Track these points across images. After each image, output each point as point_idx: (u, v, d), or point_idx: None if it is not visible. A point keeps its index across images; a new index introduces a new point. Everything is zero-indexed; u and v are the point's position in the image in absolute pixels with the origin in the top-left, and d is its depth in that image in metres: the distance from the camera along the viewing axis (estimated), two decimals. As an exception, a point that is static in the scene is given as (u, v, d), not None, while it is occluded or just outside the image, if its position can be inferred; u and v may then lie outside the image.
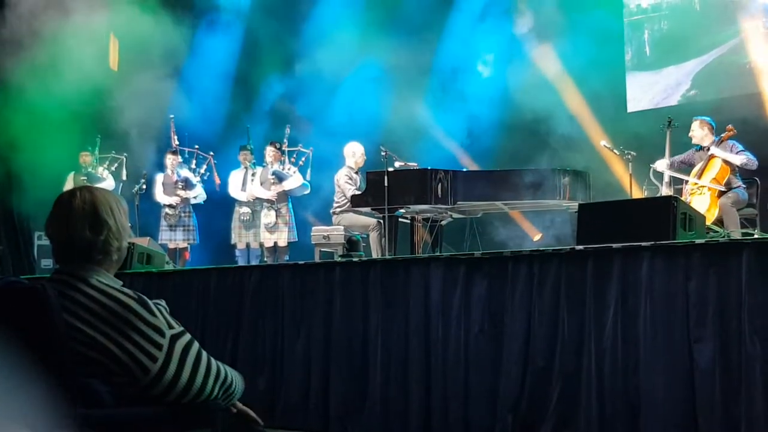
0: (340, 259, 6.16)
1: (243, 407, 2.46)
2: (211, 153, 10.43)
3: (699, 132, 8.10)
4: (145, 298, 2.23)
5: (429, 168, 8.22)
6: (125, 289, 2.24)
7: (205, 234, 10.52)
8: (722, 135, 7.97)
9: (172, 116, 10.52)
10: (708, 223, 7.27)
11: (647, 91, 10.85)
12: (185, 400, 2.21)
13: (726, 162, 7.77)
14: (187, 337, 2.26)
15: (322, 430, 5.45)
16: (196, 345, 2.27)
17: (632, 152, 8.26)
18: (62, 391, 2.05)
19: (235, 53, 12.14)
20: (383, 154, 8.41)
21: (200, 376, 2.23)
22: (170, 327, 2.24)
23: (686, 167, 8.20)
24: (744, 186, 7.88)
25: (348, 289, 5.49)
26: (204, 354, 2.28)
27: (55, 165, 10.06)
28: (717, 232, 5.74)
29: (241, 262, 9.60)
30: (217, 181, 10.30)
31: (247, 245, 9.91)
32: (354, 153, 9.09)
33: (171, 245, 9.96)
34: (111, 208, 2.30)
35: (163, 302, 2.31)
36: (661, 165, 8.14)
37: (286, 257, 9.52)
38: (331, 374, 5.47)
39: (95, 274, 2.26)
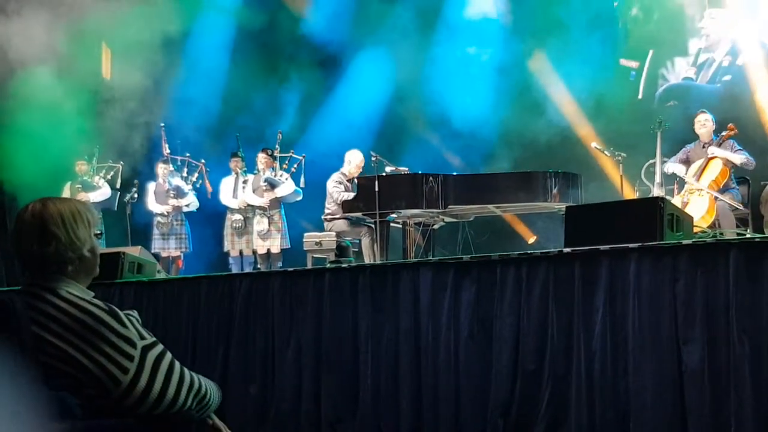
0: (329, 265, 6.13)
1: (218, 421, 2.43)
2: (203, 161, 10.43)
3: (710, 128, 8.05)
4: (116, 309, 2.21)
5: (419, 172, 8.22)
6: (96, 301, 2.22)
7: (198, 242, 10.50)
8: (722, 134, 7.94)
9: (162, 125, 10.51)
10: (705, 225, 7.27)
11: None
12: (158, 412, 2.19)
13: (726, 164, 7.74)
14: (160, 347, 2.24)
15: (314, 436, 5.43)
16: (168, 356, 2.24)
17: (623, 153, 8.25)
18: (31, 404, 2.03)
19: (226, 59, 12.11)
20: (373, 159, 8.41)
21: (173, 387, 2.21)
22: (142, 338, 2.21)
23: (683, 165, 8.16)
24: (737, 187, 7.87)
25: (337, 295, 5.47)
26: (177, 364, 2.25)
27: (51, 175, 10.04)
28: (706, 232, 5.72)
29: (234, 270, 9.58)
30: (209, 189, 10.28)
31: (241, 252, 9.89)
32: (350, 161, 9.09)
33: (164, 254, 9.94)
34: (63, 220, 2.27)
35: (135, 313, 2.29)
36: (674, 168, 8.08)
37: (280, 264, 9.50)
38: (322, 380, 5.45)
39: (65, 285, 2.24)
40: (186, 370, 2.28)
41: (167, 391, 2.19)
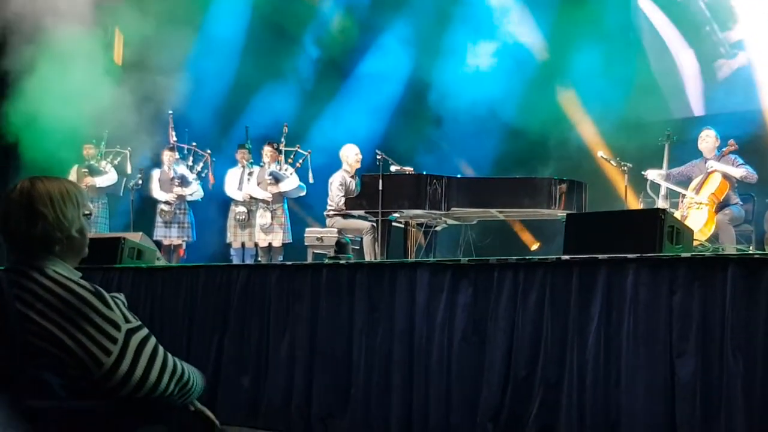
0: (328, 261, 6.13)
1: (201, 406, 2.42)
2: (209, 151, 10.42)
3: (711, 143, 8.05)
4: (102, 291, 2.20)
5: (424, 173, 8.22)
6: (83, 282, 2.21)
7: (201, 232, 10.50)
8: (723, 149, 7.94)
9: (170, 112, 10.51)
10: (704, 238, 7.26)
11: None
12: (139, 395, 2.18)
13: (726, 177, 7.73)
14: (144, 331, 2.23)
15: (304, 431, 5.42)
16: (152, 340, 2.23)
17: (628, 164, 8.23)
18: (12, 381, 2.02)
19: (238, 50, 12.12)
20: (379, 157, 8.39)
21: (155, 372, 2.20)
22: (127, 321, 2.21)
23: (684, 179, 8.16)
24: (741, 203, 7.86)
25: (334, 292, 5.46)
26: (161, 349, 2.24)
27: (59, 157, 10.07)
28: (705, 246, 5.70)
29: (235, 261, 9.59)
30: (212, 180, 10.28)
31: (243, 245, 9.89)
32: (347, 156, 9.11)
33: (166, 242, 9.96)
34: (51, 199, 2.26)
35: (121, 296, 2.28)
36: (653, 174, 8.10)
37: (280, 258, 9.51)
38: (314, 376, 5.44)
39: (52, 264, 2.23)
40: (169, 356, 2.27)
41: (149, 375, 2.18)
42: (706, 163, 7.99)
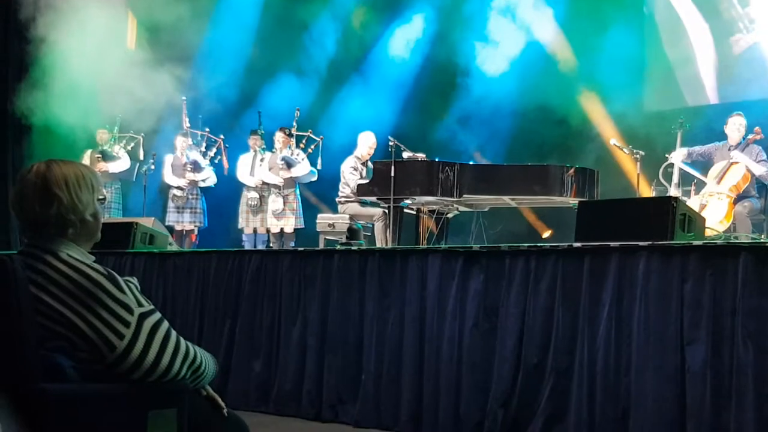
0: (339, 247, 6.14)
1: (212, 392, 2.43)
2: (221, 136, 10.44)
3: (740, 132, 7.89)
4: (115, 274, 2.21)
5: (436, 160, 8.21)
6: (96, 265, 2.22)
7: (214, 217, 10.53)
8: (748, 137, 7.82)
9: (184, 98, 10.52)
10: (722, 230, 7.21)
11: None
12: (151, 379, 2.19)
13: (748, 170, 7.65)
14: (157, 315, 2.24)
15: (314, 417, 5.44)
16: (165, 324, 2.24)
17: (641, 152, 8.19)
18: (25, 364, 2.04)
19: (251, 36, 12.11)
20: (391, 144, 8.39)
21: (167, 356, 2.21)
22: (139, 305, 2.22)
23: (705, 160, 8.05)
24: (758, 196, 7.79)
25: (345, 278, 5.48)
26: (173, 333, 2.25)
27: (72, 141, 10.11)
28: (718, 235, 5.67)
29: (247, 247, 9.61)
30: (226, 165, 10.30)
31: (255, 230, 9.92)
32: (364, 142, 9.12)
33: (178, 227, 9.99)
34: (67, 182, 2.26)
35: (134, 280, 2.29)
36: (678, 156, 8.00)
37: (292, 243, 9.53)
38: (326, 362, 5.47)
39: (65, 247, 2.24)
40: (182, 340, 2.28)
41: (161, 359, 2.20)
42: (729, 150, 7.87)
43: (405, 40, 11.79)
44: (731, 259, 4.00)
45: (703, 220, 4.85)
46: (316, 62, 11.94)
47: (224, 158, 10.32)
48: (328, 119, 11.24)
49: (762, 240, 6.01)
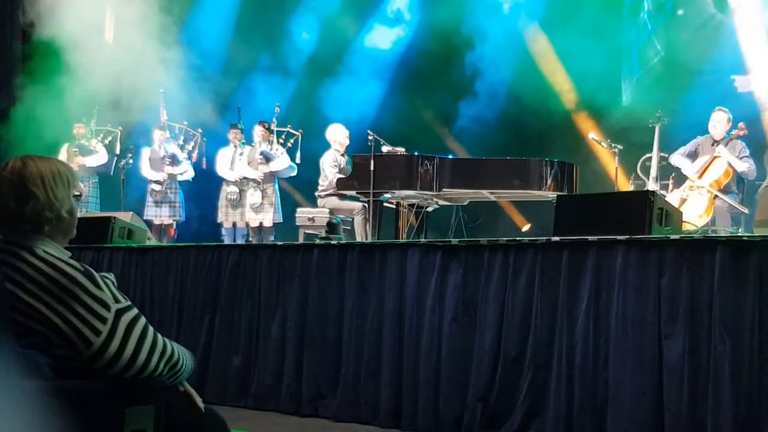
0: (319, 241, 6.13)
1: (189, 388, 2.42)
2: (200, 130, 10.38)
3: (724, 126, 7.89)
4: (92, 270, 2.19)
5: (415, 154, 8.21)
6: (72, 261, 2.20)
7: (192, 211, 10.48)
8: (732, 132, 7.84)
9: (161, 90, 10.44)
10: (701, 224, 7.24)
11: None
12: (128, 375, 2.18)
13: (730, 166, 7.68)
14: (134, 312, 2.22)
15: (294, 412, 5.44)
16: (142, 320, 2.23)
17: (619, 146, 8.23)
18: (1, 360, 2.02)
19: (230, 28, 12.05)
20: (370, 138, 8.38)
21: (144, 352, 2.20)
22: (116, 301, 2.20)
23: (692, 156, 8.07)
24: (737, 192, 7.82)
25: (325, 272, 5.47)
26: (150, 330, 2.24)
27: (49, 136, 10.01)
28: (696, 229, 5.71)
29: (227, 241, 9.58)
30: (194, 159, 10.21)
31: (234, 224, 9.88)
32: (336, 135, 9.13)
33: (156, 221, 9.94)
34: (42, 179, 2.25)
35: (111, 276, 2.27)
36: (675, 161, 8.03)
37: (271, 237, 9.50)
38: (305, 356, 5.47)
39: (41, 244, 2.22)
40: (159, 336, 2.27)
41: (138, 356, 2.18)
42: (713, 145, 7.88)
43: (384, 32, 11.77)
44: (708, 253, 4.03)
45: (680, 214, 4.89)
46: (295, 57, 11.90)
47: (195, 152, 10.22)
48: (307, 114, 11.21)
49: (739, 234, 6.04)
